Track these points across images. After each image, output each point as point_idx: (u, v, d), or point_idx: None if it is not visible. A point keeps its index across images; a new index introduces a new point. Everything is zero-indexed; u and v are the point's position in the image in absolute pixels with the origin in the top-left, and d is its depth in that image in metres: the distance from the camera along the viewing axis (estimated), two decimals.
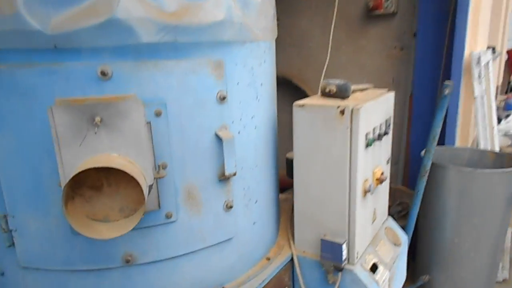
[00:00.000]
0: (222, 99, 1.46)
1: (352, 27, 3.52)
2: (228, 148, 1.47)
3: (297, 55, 3.95)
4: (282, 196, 2.34)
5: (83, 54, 1.24)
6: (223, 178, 1.51)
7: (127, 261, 1.40)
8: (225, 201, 1.56)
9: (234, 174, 1.51)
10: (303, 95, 3.87)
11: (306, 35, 3.87)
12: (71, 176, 1.07)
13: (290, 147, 1.80)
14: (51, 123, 1.10)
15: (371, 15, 3.34)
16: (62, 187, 1.09)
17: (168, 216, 1.43)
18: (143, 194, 1.12)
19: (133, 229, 1.37)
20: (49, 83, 1.25)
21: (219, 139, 1.47)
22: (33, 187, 1.34)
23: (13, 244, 1.46)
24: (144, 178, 1.17)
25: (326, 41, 3.76)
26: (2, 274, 1.57)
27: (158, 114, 1.33)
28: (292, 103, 1.70)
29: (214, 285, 1.62)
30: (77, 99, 1.12)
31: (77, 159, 1.12)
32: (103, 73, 1.25)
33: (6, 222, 1.43)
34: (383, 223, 2.16)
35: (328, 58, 3.18)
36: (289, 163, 2.09)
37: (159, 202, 1.40)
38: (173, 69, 1.34)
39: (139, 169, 1.17)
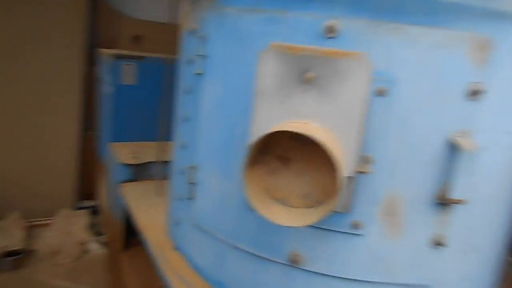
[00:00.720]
0: (474, 94, 1.03)
1: None
2: (465, 164, 1.03)
3: None
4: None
5: (312, 4, 1.04)
6: (442, 202, 1.09)
7: (294, 261, 1.16)
8: (434, 234, 1.13)
9: (460, 202, 1.07)
10: None
11: None
12: (261, 136, 0.87)
13: None
14: (259, 70, 0.94)
15: None
16: (249, 146, 0.91)
17: (355, 226, 1.11)
18: (337, 185, 0.84)
19: (311, 225, 1.12)
20: (267, 33, 1.10)
21: (453, 147, 1.05)
22: (225, 143, 1.24)
23: (192, 198, 1.42)
24: (344, 165, 0.88)
25: None
26: (178, 224, 1.58)
27: (380, 93, 1.02)
28: None
29: None
30: (294, 47, 0.91)
31: (273, 118, 0.92)
32: (330, 29, 1.01)
33: (193, 174, 1.40)
34: None
35: None
36: None
37: (349, 204, 1.10)
38: (418, 38, 1.00)
39: (341, 151, 0.88)
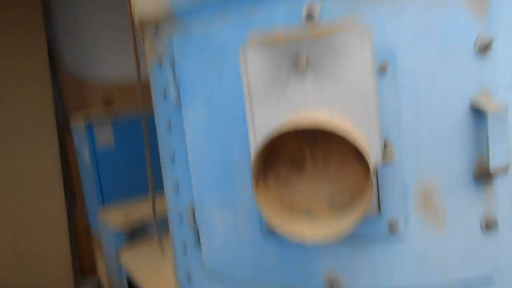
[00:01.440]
0: (485, 49, 0.92)
1: None
2: (496, 127, 0.90)
3: None
4: None
5: None
6: (482, 177, 0.95)
7: (332, 284, 0.98)
8: (483, 215, 0.98)
9: (505, 170, 0.93)
10: None
11: None
12: (264, 142, 0.73)
13: None
14: (242, 70, 0.81)
15: None
16: (253, 157, 0.77)
17: (391, 227, 0.95)
18: (369, 178, 0.69)
19: (339, 244, 0.96)
20: (243, 36, 0.99)
21: (477, 112, 0.92)
22: (222, 170, 1.09)
23: (198, 243, 1.25)
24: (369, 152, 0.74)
25: None
26: (189, 278, 1.38)
27: (382, 70, 0.90)
28: None
29: None
30: (277, 36, 0.79)
31: (273, 118, 0.78)
32: (309, 15, 0.91)
33: (194, 216, 1.23)
34: None
35: None
36: None
37: (378, 203, 0.94)
38: (407, 3, 0.90)
39: (362, 138, 0.75)
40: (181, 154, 1.25)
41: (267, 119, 0.78)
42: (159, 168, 1.54)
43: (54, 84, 3.52)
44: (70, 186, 3.52)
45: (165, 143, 1.36)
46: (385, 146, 0.89)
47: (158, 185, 1.76)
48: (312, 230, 0.76)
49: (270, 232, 0.98)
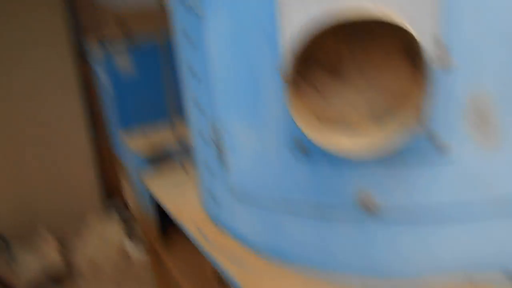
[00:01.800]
0: None
1: None
2: None
3: None
4: None
5: None
6: None
7: (365, 207, 0.91)
8: None
9: None
10: None
11: None
12: (302, 40, 0.62)
13: None
14: None
15: None
16: (287, 63, 0.66)
17: (437, 146, 0.85)
18: (416, 78, 0.58)
19: (377, 163, 0.87)
20: None
21: None
22: (247, 87, 0.99)
23: (223, 162, 1.19)
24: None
25: None
26: (215, 197, 1.36)
27: None
28: None
29: (493, 266, 0.96)
30: None
31: (309, 13, 0.65)
32: None
33: (216, 134, 1.16)
34: None
35: None
36: None
37: (426, 118, 0.83)
38: None
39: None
40: (202, 69, 1.16)
41: (302, 14, 0.66)
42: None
43: (72, 10, 3.44)
44: (92, 112, 3.54)
45: (185, 57, 1.26)
46: (439, 48, 0.76)
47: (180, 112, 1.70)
48: (352, 141, 0.67)
49: (300, 150, 0.91)
